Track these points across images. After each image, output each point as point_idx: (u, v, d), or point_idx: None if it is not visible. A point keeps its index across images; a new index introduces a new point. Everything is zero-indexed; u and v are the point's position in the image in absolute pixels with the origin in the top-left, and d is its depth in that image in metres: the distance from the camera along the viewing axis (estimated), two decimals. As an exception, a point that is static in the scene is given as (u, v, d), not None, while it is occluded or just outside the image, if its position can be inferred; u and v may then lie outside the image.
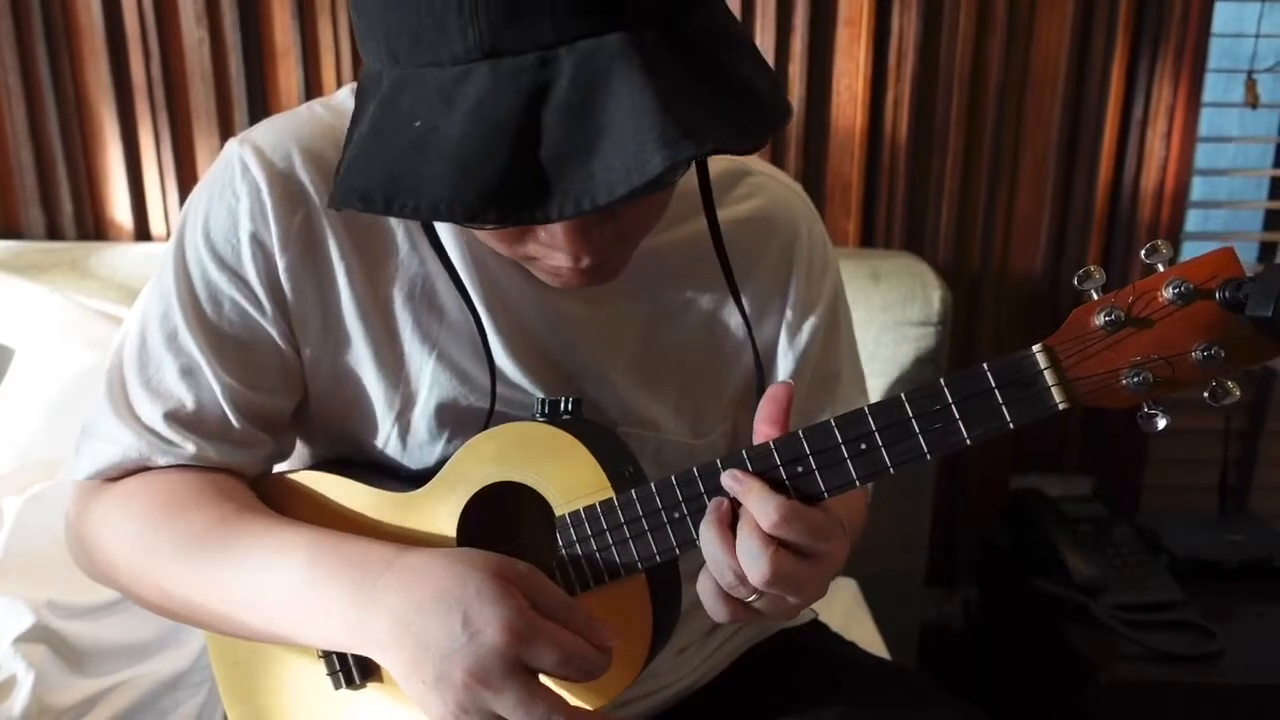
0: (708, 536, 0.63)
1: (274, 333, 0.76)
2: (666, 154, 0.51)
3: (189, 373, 0.75)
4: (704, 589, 0.65)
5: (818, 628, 0.99)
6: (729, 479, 0.64)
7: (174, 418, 0.76)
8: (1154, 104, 1.64)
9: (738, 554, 0.62)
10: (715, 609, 0.65)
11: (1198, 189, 1.80)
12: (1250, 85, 1.70)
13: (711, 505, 0.64)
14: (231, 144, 0.75)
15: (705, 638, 0.91)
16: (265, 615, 0.71)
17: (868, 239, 1.71)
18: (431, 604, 0.63)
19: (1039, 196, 1.70)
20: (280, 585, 0.70)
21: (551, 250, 0.65)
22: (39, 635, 1.01)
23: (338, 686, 0.77)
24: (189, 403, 0.75)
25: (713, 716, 0.89)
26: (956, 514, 1.84)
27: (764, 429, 0.65)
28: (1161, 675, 1.38)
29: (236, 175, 0.73)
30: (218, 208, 0.74)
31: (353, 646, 0.68)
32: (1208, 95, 1.70)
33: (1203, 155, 1.76)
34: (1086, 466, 1.83)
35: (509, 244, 0.67)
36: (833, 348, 0.88)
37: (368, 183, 0.57)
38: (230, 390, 0.76)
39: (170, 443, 0.76)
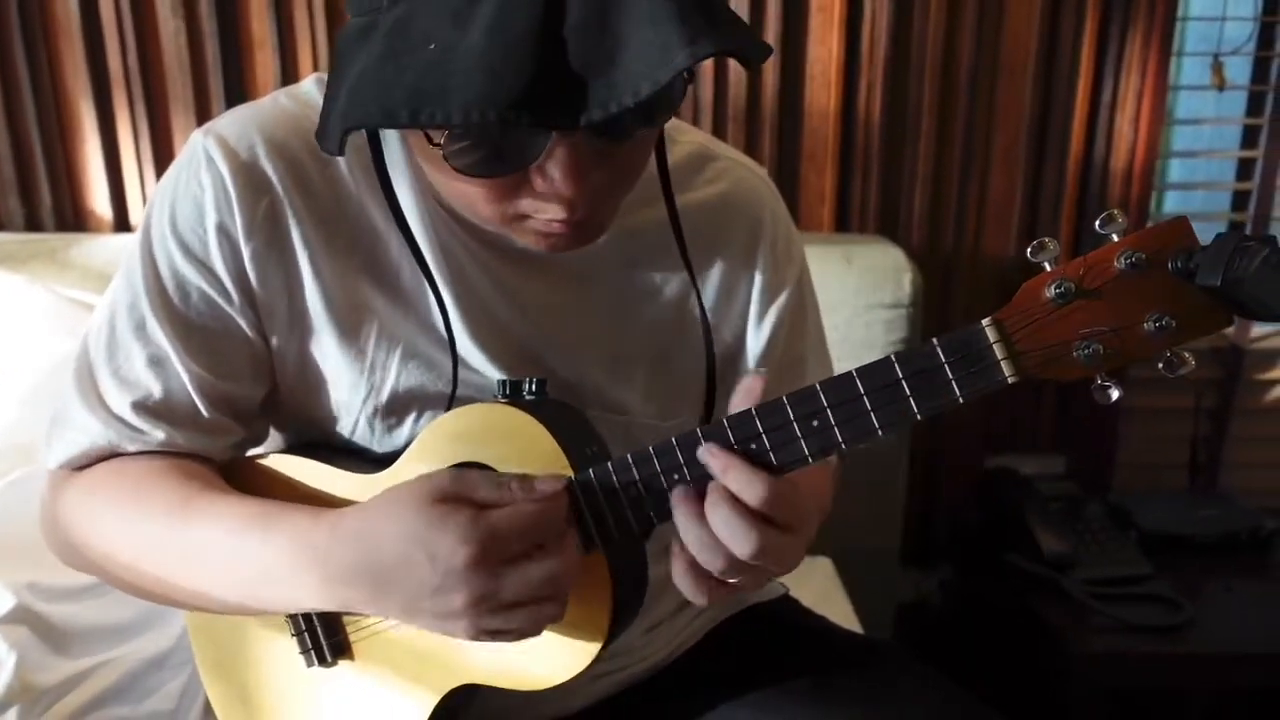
0: (686, 517, 0.63)
1: (242, 322, 0.76)
2: (689, 51, 0.53)
3: (157, 362, 0.76)
4: (680, 575, 0.65)
5: (787, 601, 1.00)
6: (706, 455, 0.63)
7: (142, 407, 0.76)
8: (1122, 87, 1.66)
9: (719, 532, 0.62)
10: (695, 594, 0.66)
11: (1176, 171, 1.82)
12: (1217, 68, 1.71)
13: (678, 494, 0.64)
14: (196, 135, 0.75)
15: (676, 614, 0.92)
16: (233, 592, 0.73)
17: (842, 224, 1.72)
18: (392, 554, 0.64)
19: (1010, 180, 1.72)
20: (241, 566, 0.71)
21: (545, 202, 0.64)
22: (20, 617, 1.02)
23: (310, 665, 0.79)
24: (157, 391, 0.76)
25: (685, 690, 0.90)
26: (932, 493, 1.86)
27: None
28: (1131, 646, 1.41)
29: (201, 166, 0.74)
30: (183, 198, 0.74)
31: (333, 607, 0.70)
32: (1183, 79, 1.72)
33: (1179, 138, 1.78)
34: (1060, 446, 1.85)
35: (499, 202, 0.66)
36: (798, 333, 0.89)
37: (387, 100, 0.57)
38: (199, 379, 0.76)
39: (139, 430, 0.77)
